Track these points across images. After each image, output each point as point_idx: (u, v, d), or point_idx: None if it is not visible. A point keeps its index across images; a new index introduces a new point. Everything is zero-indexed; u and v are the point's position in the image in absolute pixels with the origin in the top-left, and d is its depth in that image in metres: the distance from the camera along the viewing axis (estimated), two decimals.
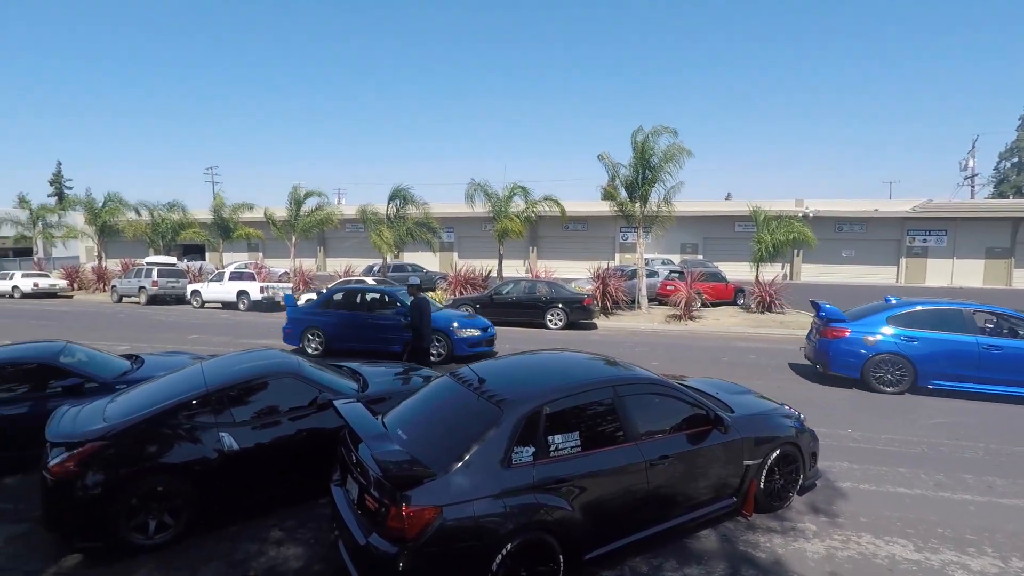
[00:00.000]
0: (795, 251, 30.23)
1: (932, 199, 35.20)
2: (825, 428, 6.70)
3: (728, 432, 4.44)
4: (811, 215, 32.36)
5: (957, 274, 33.75)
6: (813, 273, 35.01)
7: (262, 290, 20.75)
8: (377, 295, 12.50)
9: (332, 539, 4.28)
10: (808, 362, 10.38)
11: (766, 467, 4.69)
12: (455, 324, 11.39)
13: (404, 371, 6.67)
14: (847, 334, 9.16)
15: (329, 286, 20.40)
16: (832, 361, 9.29)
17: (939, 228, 33.99)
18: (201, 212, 33.72)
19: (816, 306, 10.04)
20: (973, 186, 53.88)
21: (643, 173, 18.84)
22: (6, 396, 5.79)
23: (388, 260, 25.53)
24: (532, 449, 3.60)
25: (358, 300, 12.42)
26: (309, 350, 11.64)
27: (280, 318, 13.28)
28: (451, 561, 3.25)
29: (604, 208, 22.00)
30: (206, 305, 21.82)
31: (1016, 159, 55.46)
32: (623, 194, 19.50)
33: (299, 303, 20.63)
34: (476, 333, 11.53)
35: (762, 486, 4.70)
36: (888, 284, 33.07)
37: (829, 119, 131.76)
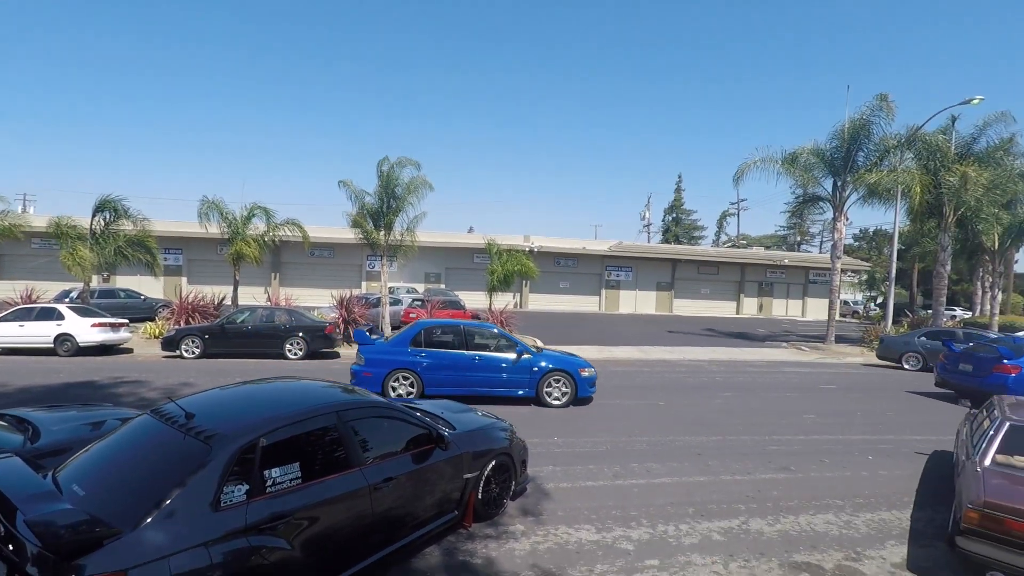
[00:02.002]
0: (523, 281, 34.06)
1: (623, 241, 43.67)
2: (537, 438, 7.72)
3: (449, 448, 4.80)
4: (536, 250, 36.92)
5: (639, 303, 42.15)
6: (538, 302, 39.88)
7: None
8: (481, 331, 10.90)
9: None
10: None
11: (483, 478, 5.18)
12: (581, 368, 10.51)
13: (97, 414, 5.56)
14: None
15: (6, 313, 15.69)
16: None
17: (627, 265, 42.14)
18: None
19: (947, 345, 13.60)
20: (649, 232, 68.78)
21: (388, 202, 19.27)
22: None
23: (93, 284, 20.81)
24: (246, 487, 3.36)
25: (460, 337, 10.64)
26: (396, 396, 9.74)
27: None
28: None
29: (351, 235, 21.70)
30: None
31: (674, 215, 72.15)
32: (369, 222, 19.58)
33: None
34: (593, 372, 10.69)
35: (480, 496, 5.17)
36: (593, 311, 39.56)
37: (550, 167, 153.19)
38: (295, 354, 15.68)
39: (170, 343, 15.61)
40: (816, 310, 43.17)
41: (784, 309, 45.00)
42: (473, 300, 29.85)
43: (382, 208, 19.37)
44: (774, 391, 13.20)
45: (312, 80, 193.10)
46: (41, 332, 15.44)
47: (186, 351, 15.43)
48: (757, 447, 8.31)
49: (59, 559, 2.69)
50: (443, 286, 35.64)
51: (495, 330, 11.02)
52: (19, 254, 32.31)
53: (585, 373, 10.53)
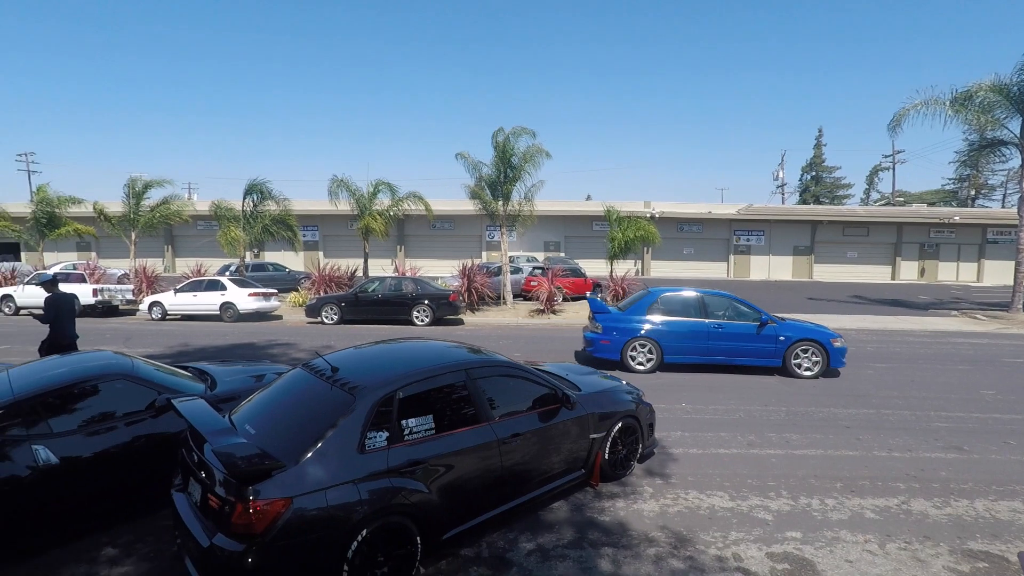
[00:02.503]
0: (644, 248, 33.02)
1: (752, 204, 40.47)
2: (663, 404, 7.49)
3: (575, 408, 4.80)
4: (657, 215, 35.58)
5: (773, 269, 39.10)
6: (661, 269, 38.51)
7: (95, 293, 18.16)
8: (718, 299, 10.56)
9: (174, 550, 3.97)
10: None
11: (609, 439, 5.15)
12: (833, 339, 9.97)
13: (259, 369, 6.32)
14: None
15: (177, 286, 18.44)
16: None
17: (758, 228, 39.12)
18: (15, 205, 28.58)
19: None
20: (783, 193, 63.01)
21: (505, 172, 19.46)
22: None
23: (247, 259, 23.64)
24: (386, 434, 3.63)
25: (698, 305, 10.36)
26: (636, 364, 10.13)
27: (120, 324, 11.72)
28: (305, 553, 3.17)
29: (470, 207, 22.33)
30: (22, 312, 18.61)
31: (813, 173, 65.41)
32: (488, 193, 19.97)
33: (146, 307, 18.31)
34: (844, 343, 10.17)
35: (607, 456, 5.15)
36: (720, 278, 37.47)
37: (674, 128, 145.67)
38: (421, 320, 16.59)
39: (312, 310, 17.27)
40: (996, 274, 37.12)
41: (953, 273, 39.06)
42: (593, 268, 29.50)
43: (499, 178, 19.62)
44: (940, 363, 11.62)
45: (426, 59, 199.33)
46: (209, 301, 17.81)
47: (326, 317, 16.99)
48: (919, 423, 7.40)
49: (239, 484, 3.08)
50: (563, 254, 35.60)
51: (733, 298, 10.51)
52: (187, 235, 37.50)
53: (837, 344, 9.86)
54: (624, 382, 5.97)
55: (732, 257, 39.46)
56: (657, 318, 10.21)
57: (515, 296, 20.90)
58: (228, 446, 3.28)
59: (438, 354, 4.64)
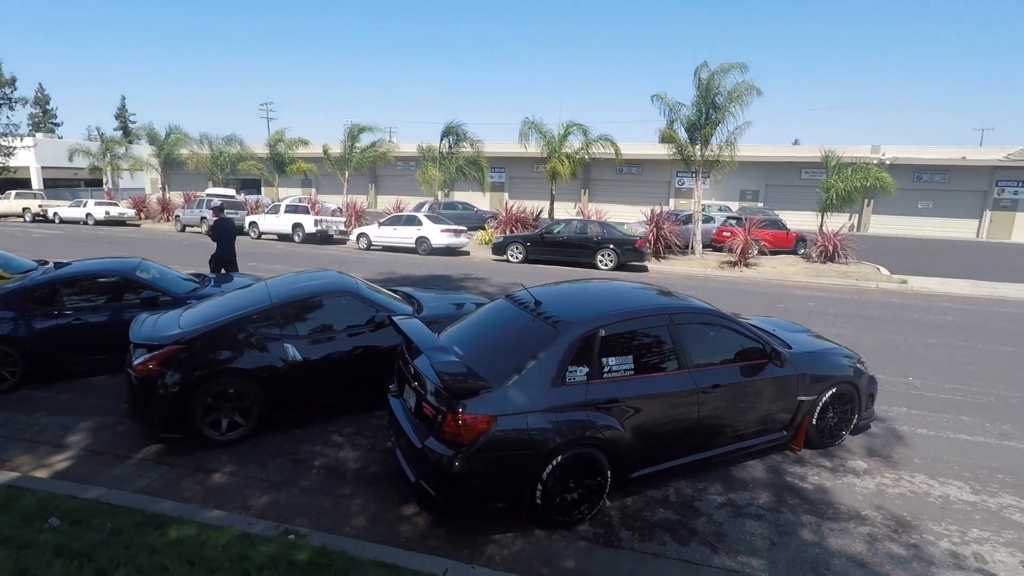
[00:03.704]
0: (865, 201, 28.47)
1: None
2: (884, 375, 6.48)
3: (784, 367, 4.35)
4: (888, 162, 30.08)
5: None
6: (884, 225, 32.97)
7: (316, 223, 21.31)
8: None
9: (388, 446, 4.54)
10: None
11: (820, 404, 4.61)
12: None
13: (458, 298, 6.80)
14: None
15: (381, 220, 20.80)
16: None
17: None
18: (257, 147, 34.50)
19: None
20: None
21: (707, 113, 17.83)
22: (93, 304, 6.29)
23: (439, 198, 25.65)
24: (586, 369, 3.64)
25: None
26: None
27: (334, 251, 13.54)
28: (504, 467, 3.39)
29: (659, 151, 21.18)
30: (263, 236, 22.64)
31: None
32: (683, 135, 18.64)
33: (354, 238, 21.06)
34: None
35: (814, 422, 4.63)
36: (968, 239, 30.95)
37: (911, 60, 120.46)
38: (606, 265, 16.43)
39: (499, 248, 18.12)
40: None
41: None
42: (797, 220, 26.38)
43: (699, 120, 18.05)
44: None
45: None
46: (407, 235, 19.62)
47: (511, 256, 17.70)
48: None
49: (452, 397, 3.35)
50: (761, 204, 32.25)
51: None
52: (388, 175, 41.49)
53: None
54: (843, 346, 5.24)
55: (988, 213, 32.05)
56: None
57: (705, 247, 19.59)
58: (443, 363, 3.56)
59: (641, 296, 4.53)
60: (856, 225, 32.33)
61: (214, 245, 10.14)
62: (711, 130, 17.99)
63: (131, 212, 28.08)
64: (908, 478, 4.41)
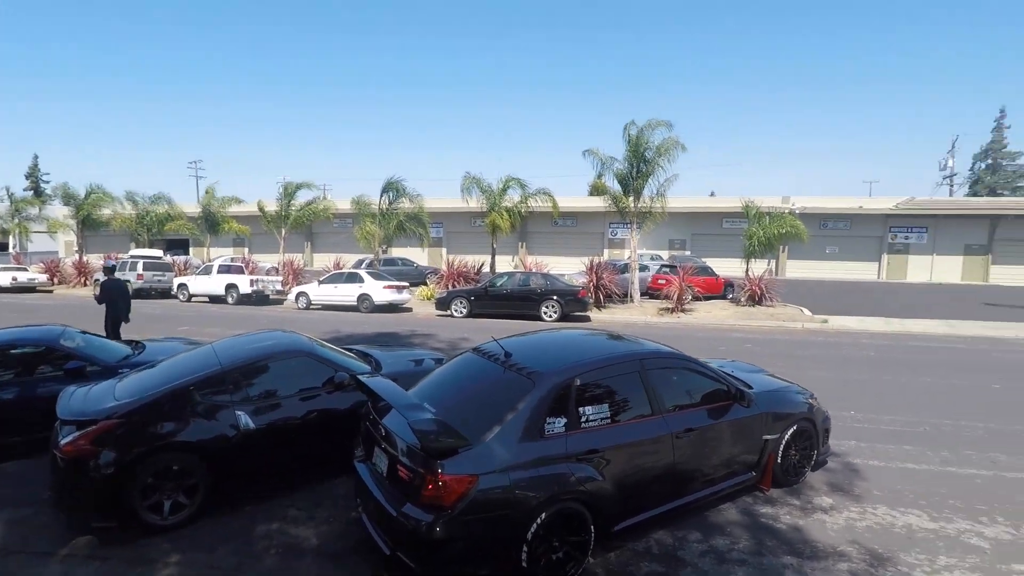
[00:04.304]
0: (781, 247, 30.59)
1: (915, 197, 35.86)
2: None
3: (750, 407, 4.47)
4: (797, 211, 32.70)
5: (936, 270, 34.45)
6: (798, 269, 35.47)
7: (252, 283, 20.47)
8: None
9: (354, 516, 4.24)
10: None
11: (783, 442, 4.74)
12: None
13: (416, 354, 6.64)
14: None
15: (320, 278, 20.25)
16: None
17: (920, 225, 34.62)
18: (187, 206, 33.18)
19: None
20: (952, 185, 55.08)
21: (637, 167, 18.92)
22: (8, 379, 5.63)
23: (380, 254, 25.39)
24: (564, 420, 3.59)
25: None
26: None
27: (272, 312, 13.03)
28: (488, 529, 3.22)
29: (594, 204, 22.14)
30: (193, 299, 21.47)
31: (990, 161, 56.64)
32: (616, 187, 19.55)
33: (293, 297, 20.28)
34: None
35: (779, 461, 4.74)
36: (870, 280, 33.74)
37: (811, 119, 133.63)
38: (550, 316, 16.62)
39: (443, 303, 18.00)
40: None
41: None
42: (722, 267, 27.85)
43: (631, 173, 19.10)
44: None
45: (543, 57, 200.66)
46: (349, 293, 19.23)
47: (456, 311, 17.59)
48: None
49: (431, 457, 3.18)
50: (688, 252, 34.04)
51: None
52: (325, 232, 41.01)
53: None
54: (794, 384, 5.47)
55: (885, 256, 35.33)
56: None
57: (642, 294, 20.30)
58: (420, 420, 3.39)
59: (610, 344, 4.56)
60: (775, 270, 34.56)
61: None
62: (642, 182, 19.03)
63: (42, 277, 26.02)
64: (872, 510, 4.55)
